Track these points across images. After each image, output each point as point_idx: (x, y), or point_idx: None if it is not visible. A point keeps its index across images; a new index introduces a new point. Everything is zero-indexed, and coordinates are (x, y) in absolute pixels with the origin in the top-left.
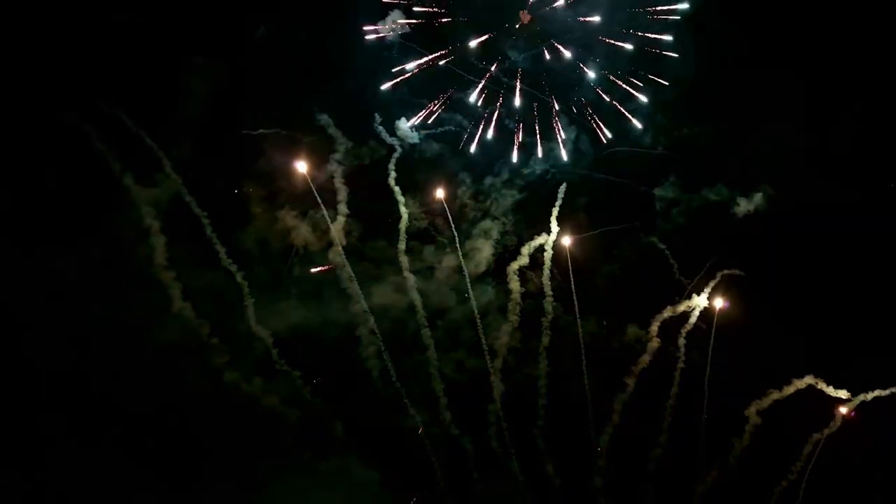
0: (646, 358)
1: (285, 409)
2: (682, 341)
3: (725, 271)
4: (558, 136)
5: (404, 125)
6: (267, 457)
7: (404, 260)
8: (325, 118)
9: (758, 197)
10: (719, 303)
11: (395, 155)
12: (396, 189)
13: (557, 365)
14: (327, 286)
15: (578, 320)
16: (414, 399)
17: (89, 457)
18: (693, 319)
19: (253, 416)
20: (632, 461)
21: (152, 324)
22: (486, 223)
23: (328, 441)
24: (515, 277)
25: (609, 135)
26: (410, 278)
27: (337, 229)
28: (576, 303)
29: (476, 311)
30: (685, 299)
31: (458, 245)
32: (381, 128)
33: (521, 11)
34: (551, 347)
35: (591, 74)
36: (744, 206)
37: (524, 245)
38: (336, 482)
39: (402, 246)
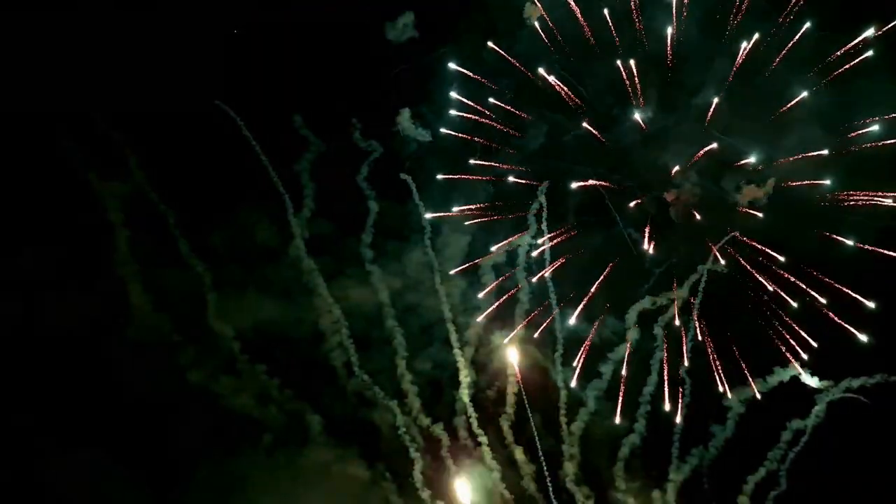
0: (625, 347)
1: (259, 408)
2: (659, 331)
3: (708, 266)
4: None
5: (405, 119)
6: (246, 456)
7: (369, 254)
8: (298, 119)
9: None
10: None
11: (374, 155)
12: (365, 185)
13: (533, 357)
14: (295, 283)
15: (555, 307)
16: (385, 392)
17: (59, 457)
18: (674, 311)
19: (226, 415)
20: (606, 449)
21: (116, 321)
22: (460, 220)
23: (305, 438)
24: (491, 272)
25: None
26: (377, 272)
27: (298, 223)
28: (551, 289)
29: (446, 303)
30: (665, 291)
31: (429, 241)
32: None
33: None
34: (528, 340)
35: None
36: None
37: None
38: (318, 478)
39: (368, 239)
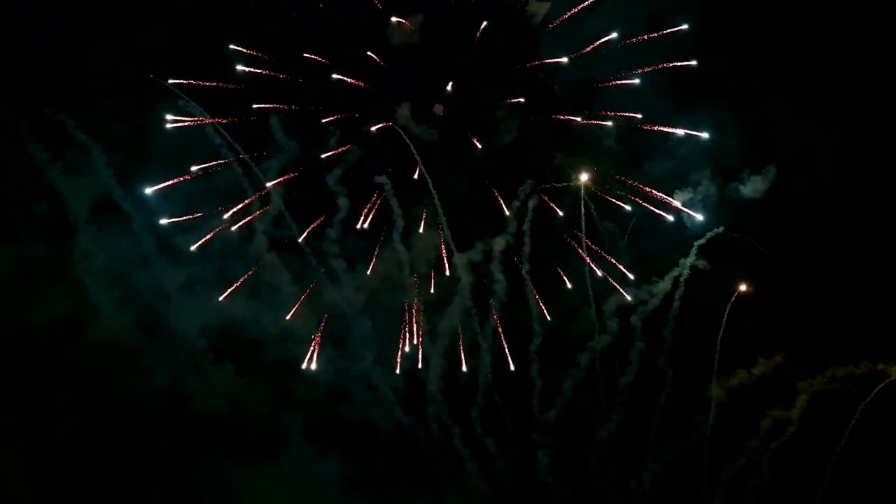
0: (604, 338)
1: (232, 409)
2: (636, 321)
3: (692, 259)
4: None
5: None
6: (223, 458)
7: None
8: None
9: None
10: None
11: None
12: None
13: (509, 348)
14: (263, 281)
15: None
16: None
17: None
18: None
19: (200, 417)
20: (581, 437)
21: (79, 320)
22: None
23: (283, 437)
24: (463, 266)
25: None
26: (345, 268)
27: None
28: (528, 279)
29: (416, 295)
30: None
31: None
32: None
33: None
34: (505, 332)
35: None
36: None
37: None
38: (299, 477)
39: (334, 235)
